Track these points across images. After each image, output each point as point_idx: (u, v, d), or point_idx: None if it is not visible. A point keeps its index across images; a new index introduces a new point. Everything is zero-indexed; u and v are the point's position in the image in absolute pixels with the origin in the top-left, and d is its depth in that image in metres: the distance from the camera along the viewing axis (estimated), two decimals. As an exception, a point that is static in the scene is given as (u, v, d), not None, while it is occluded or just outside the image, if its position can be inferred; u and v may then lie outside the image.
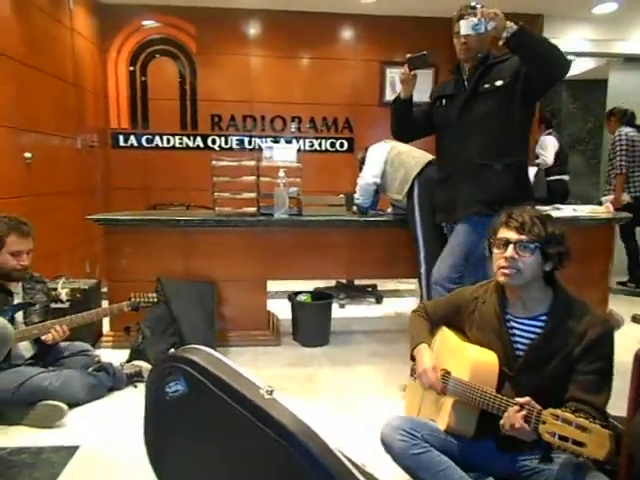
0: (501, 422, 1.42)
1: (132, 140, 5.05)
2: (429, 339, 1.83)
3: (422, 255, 2.90)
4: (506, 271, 1.53)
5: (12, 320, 2.24)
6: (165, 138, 5.08)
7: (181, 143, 5.11)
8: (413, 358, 1.82)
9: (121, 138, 5.03)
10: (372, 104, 5.20)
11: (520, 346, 1.57)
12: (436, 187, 2.61)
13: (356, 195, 3.28)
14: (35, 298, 2.44)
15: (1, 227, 2.29)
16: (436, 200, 2.61)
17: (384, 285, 4.84)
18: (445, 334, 1.80)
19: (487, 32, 2.08)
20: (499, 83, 2.28)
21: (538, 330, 1.54)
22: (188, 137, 5.09)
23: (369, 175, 3.14)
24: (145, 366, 2.66)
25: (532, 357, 1.53)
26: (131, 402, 2.43)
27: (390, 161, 3.10)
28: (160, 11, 4.90)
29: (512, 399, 1.43)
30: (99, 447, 2.03)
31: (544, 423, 1.30)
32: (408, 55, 2.39)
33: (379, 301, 4.46)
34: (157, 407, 1.36)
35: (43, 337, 2.32)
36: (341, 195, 3.46)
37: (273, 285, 3.44)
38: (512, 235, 1.54)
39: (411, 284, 4.86)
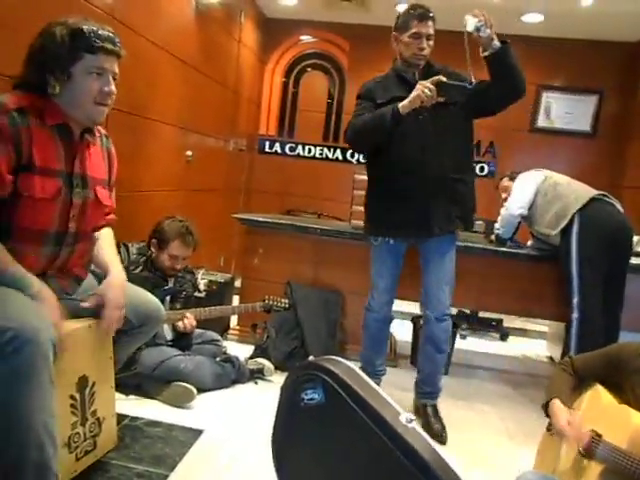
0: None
1: (277, 147, 5.32)
2: (567, 397, 1.64)
3: (576, 300, 2.60)
4: None
5: (162, 303, 2.44)
6: (307, 148, 5.27)
7: (321, 154, 5.27)
8: (547, 413, 1.65)
9: (267, 144, 5.32)
10: (521, 129, 4.93)
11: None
12: (387, 204, 2.31)
13: (497, 225, 3.11)
14: (183, 287, 2.65)
15: (171, 230, 2.49)
16: (395, 214, 2.29)
17: (510, 322, 4.53)
18: (598, 392, 1.60)
19: (483, 37, 2.07)
20: (456, 100, 2.23)
21: None
22: (329, 149, 5.23)
23: (516, 206, 2.94)
24: (267, 365, 2.75)
25: None
26: (252, 397, 2.52)
27: (543, 192, 2.87)
28: (318, 27, 5.12)
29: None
30: (222, 432, 2.13)
31: None
32: (442, 78, 2.10)
33: (504, 338, 4.18)
34: (290, 411, 1.37)
35: (178, 324, 2.49)
36: (480, 222, 3.30)
37: (395, 305, 3.38)
38: None
39: (540, 325, 4.49)
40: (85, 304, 1.58)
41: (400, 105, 2.12)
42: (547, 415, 1.67)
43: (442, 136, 2.24)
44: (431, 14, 2.24)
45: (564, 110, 4.77)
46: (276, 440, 1.44)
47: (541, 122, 4.78)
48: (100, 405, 1.72)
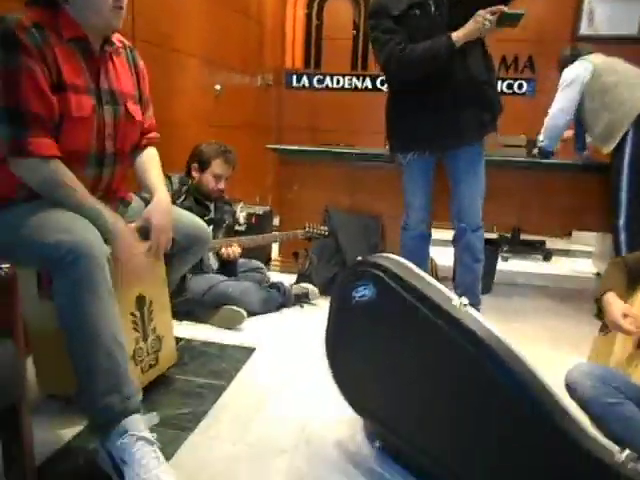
0: None
1: (304, 80, 5.18)
2: (622, 291, 1.61)
3: (622, 221, 2.54)
4: None
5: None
6: (335, 79, 5.12)
7: (350, 84, 5.11)
8: (599, 309, 1.63)
9: (294, 78, 5.20)
10: (563, 39, 4.61)
11: None
12: (415, 116, 2.23)
13: (540, 136, 2.98)
14: (223, 217, 2.69)
15: (211, 150, 2.53)
16: (420, 129, 2.23)
17: (554, 243, 4.44)
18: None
19: None
20: None
21: None
22: (357, 78, 5.07)
23: (558, 113, 2.80)
24: (312, 289, 2.80)
25: None
26: (298, 319, 2.60)
27: (591, 95, 2.68)
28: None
29: None
30: (272, 350, 2.21)
31: None
32: (504, 9, 1.98)
33: (547, 258, 4.12)
34: (342, 311, 1.40)
35: (222, 251, 2.54)
36: (522, 135, 3.17)
37: (436, 234, 3.35)
38: None
39: (586, 245, 4.39)
40: (132, 226, 1.58)
41: (454, 37, 2.07)
42: (599, 312, 1.65)
43: None
44: None
45: (608, 14, 4.42)
46: (329, 342, 1.48)
47: (584, 30, 4.46)
48: (158, 323, 1.80)
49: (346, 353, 1.45)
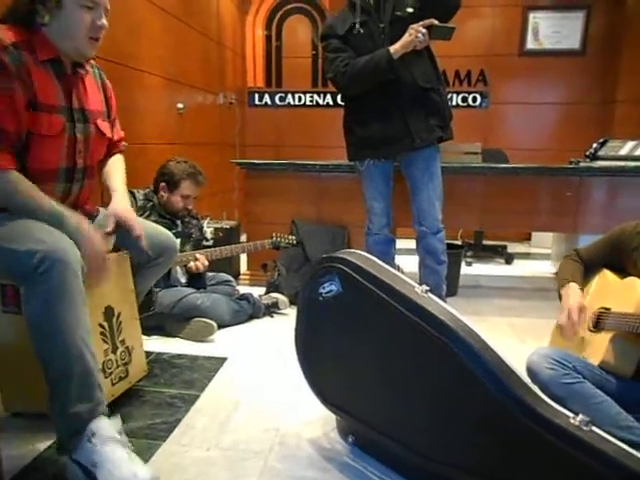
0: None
1: (266, 98, 5.26)
2: (580, 281, 1.70)
3: None
4: None
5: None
6: (297, 96, 5.22)
7: (312, 101, 5.22)
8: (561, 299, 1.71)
9: (256, 96, 5.27)
10: (510, 53, 4.86)
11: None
12: (367, 124, 2.37)
13: None
14: (191, 231, 2.69)
15: (181, 171, 2.54)
16: (372, 136, 2.37)
17: (515, 248, 4.60)
18: (605, 275, 1.67)
19: None
20: (410, 10, 2.26)
21: None
22: (319, 94, 5.18)
23: None
24: (282, 298, 2.82)
25: None
26: (269, 328, 2.61)
27: None
28: (295, -31, 4.98)
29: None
30: (244, 358, 2.22)
31: None
32: (434, 22, 2.15)
33: (509, 262, 4.26)
34: (310, 308, 1.44)
35: (189, 265, 2.55)
36: (477, 143, 3.31)
37: (401, 243, 3.42)
38: None
39: (543, 248, 4.57)
40: (107, 229, 1.60)
41: (392, 49, 2.21)
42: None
43: None
44: None
45: (552, 29, 4.69)
46: (299, 340, 1.51)
47: (530, 44, 4.71)
48: (128, 335, 1.79)
49: (316, 349, 1.48)
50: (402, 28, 2.23)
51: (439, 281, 2.52)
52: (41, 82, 1.44)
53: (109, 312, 1.70)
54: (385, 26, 2.29)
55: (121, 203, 1.66)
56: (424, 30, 2.15)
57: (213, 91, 4.39)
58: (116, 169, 1.76)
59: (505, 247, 4.41)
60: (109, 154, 1.78)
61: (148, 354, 2.15)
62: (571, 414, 1.02)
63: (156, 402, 1.81)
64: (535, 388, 1.11)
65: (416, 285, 1.21)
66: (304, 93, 5.21)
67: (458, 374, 1.11)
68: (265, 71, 5.25)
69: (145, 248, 1.66)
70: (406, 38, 2.18)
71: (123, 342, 1.77)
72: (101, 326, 1.66)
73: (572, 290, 1.63)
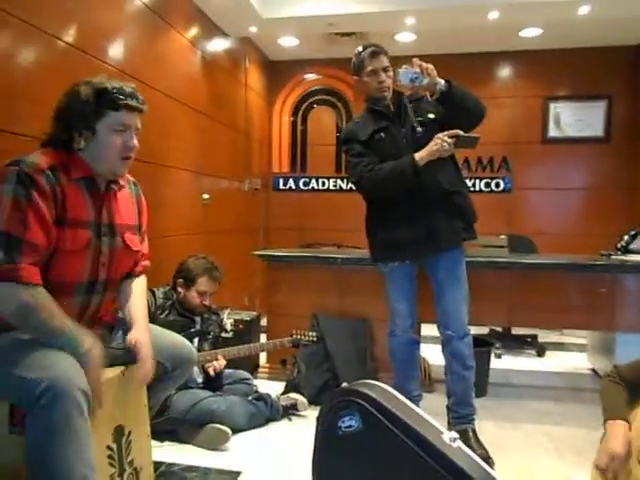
0: None
1: (291, 183, 5.38)
2: (624, 409, 1.53)
3: None
4: None
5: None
6: (320, 180, 5.33)
7: (335, 186, 5.31)
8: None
9: (281, 181, 5.40)
10: (533, 141, 4.91)
11: None
12: (391, 227, 2.33)
13: None
14: (210, 328, 2.65)
15: (197, 267, 2.54)
16: (397, 239, 2.32)
17: (546, 337, 4.40)
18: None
19: (422, 86, 2.16)
20: (432, 116, 2.31)
21: None
22: (342, 180, 5.28)
23: None
24: (300, 399, 2.70)
25: None
26: (287, 434, 2.47)
27: None
28: (321, 64, 5.25)
29: None
30: (259, 475, 2.08)
31: None
32: (460, 132, 2.16)
33: (541, 354, 4.05)
34: (328, 441, 1.34)
35: (206, 366, 2.48)
36: (502, 236, 3.26)
37: (426, 330, 3.32)
38: None
39: (578, 337, 4.35)
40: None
41: (418, 157, 2.22)
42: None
43: None
44: (380, 49, 2.36)
45: (574, 118, 4.75)
46: (316, 472, 1.40)
47: (552, 132, 4.77)
48: (137, 454, 1.70)
49: (334, 486, 1.36)
50: (424, 134, 2.25)
51: (467, 388, 2.38)
52: (73, 198, 1.49)
53: (119, 432, 1.62)
54: (407, 132, 2.32)
55: (140, 331, 1.63)
56: (450, 140, 2.16)
57: (238, 178, 4.51)
58: (138, 295, 1.73)
59: (536, 337, 4.21)
60: (135, 271, 1.77)
61: (158, 465, 2.04)
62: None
63: (163, 528, 1.68)
64: None
65: (444, 431, 1.11)
66: (328, 178, 5.32)
67: None
68: (290, 157, 5.42)
69: (148, 378, 1.61)
70: (432, 147, 2.18)
71: (131, 463, 1.67)
72: (109, 448, 1.57)
73: (617, 429, 1.46)
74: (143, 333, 1.62)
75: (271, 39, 4.72)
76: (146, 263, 1.83)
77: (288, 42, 4.80)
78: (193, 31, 3.61)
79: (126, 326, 1.68)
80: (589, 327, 3.23)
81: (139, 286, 1.76)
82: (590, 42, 4.64)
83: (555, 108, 4.75)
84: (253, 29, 4.23)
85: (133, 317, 1.67)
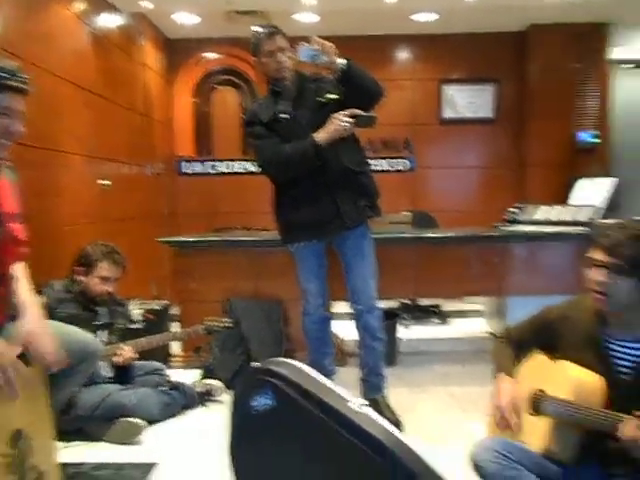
0: (617, 433, 1.31)
1: (196, 167, 5.22)
2: (511, 368, 1.70)
3: None
4: (597, 296, 1.45)
5: (95, 338, 2.32)
6: (227, 163, 5.22)
7: (242, 168, 5.23)
8: None
9: (186, 165, 5.22)
10: (431, 122, 5.16)
11: (624, 370, 1.45)
12: (297, 208, 2.38)
13: None
14: (116, 320, 2.52)
15: (97, 252, 2.40)
16: (305, 217, 2.36)
17: (449, 306, 4.70)
18: (538, 357, 1.69)
19: (321, 64, 2.18)
20: (332, 96, 2.32)
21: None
22: (248, 162, 5.21)
23: None
24: (216, 384, 2.67)
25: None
26: (203, 421, 2.44)
27: None
28: (222, 43, 5.10)
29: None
30: (176, 465, 2.04)
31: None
32: (357, 112, 2.23)
33: (445, 322, 4.33)
34: (243, 422, 1.34)
35: (113, 359, 2.37)
36: (406, 213, 3.41)
37: (343, 306, 3.40)
38: (602, 256, 1.43)
39: (476, 304, 4.69)
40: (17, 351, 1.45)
41: (318, 138, 2.23)
42: None
43: None
44: (276, 29, 2.36)
45: (467, 100, 5.05)
46: (233, 454, 1.40)
47: (448, 113, 5.03)
48: (40, 457, 1.59)
49: (250, 466, 1.37)
50: (325, 114, 2.27)
51: (377, 359, 2.49)
52: None
53: (17, 436, 1.50)
54: (309, 112, 2.33)
55: (33, 319, 1.51)
56: (350, 119, 2.19)
57: (139, 163, 4.30)
58: (22, 281, 1.60)
59: (439, 306, 4.49)
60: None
61: (65, 467, 1.92)
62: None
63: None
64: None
65: (352, 399, 1.15)
66: (234, 161, 5.22)
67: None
68: (195, 140, 5.26)
69: (52, 366, 1.51)
70: (329, 127, 2.22)
71: (34, 468, 1.56)
72: (6, 456, 1.46)
73: (503, 385, 1.62)
74: (37, 321, 1.52)
75: (166, 15, 4.50)
76: (25, 250, 1.67)
77: (187, 19, 4.60)
78: (79, 4, 3.35)
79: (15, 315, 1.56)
80: (485, 293, 3.50)
81: (21, 272, 1.63)
82: (481, 28, 4.91)
83: (449, 90, 5.02)
84: (147, 4, 4.01)
85: (22, 305, 1.55)
